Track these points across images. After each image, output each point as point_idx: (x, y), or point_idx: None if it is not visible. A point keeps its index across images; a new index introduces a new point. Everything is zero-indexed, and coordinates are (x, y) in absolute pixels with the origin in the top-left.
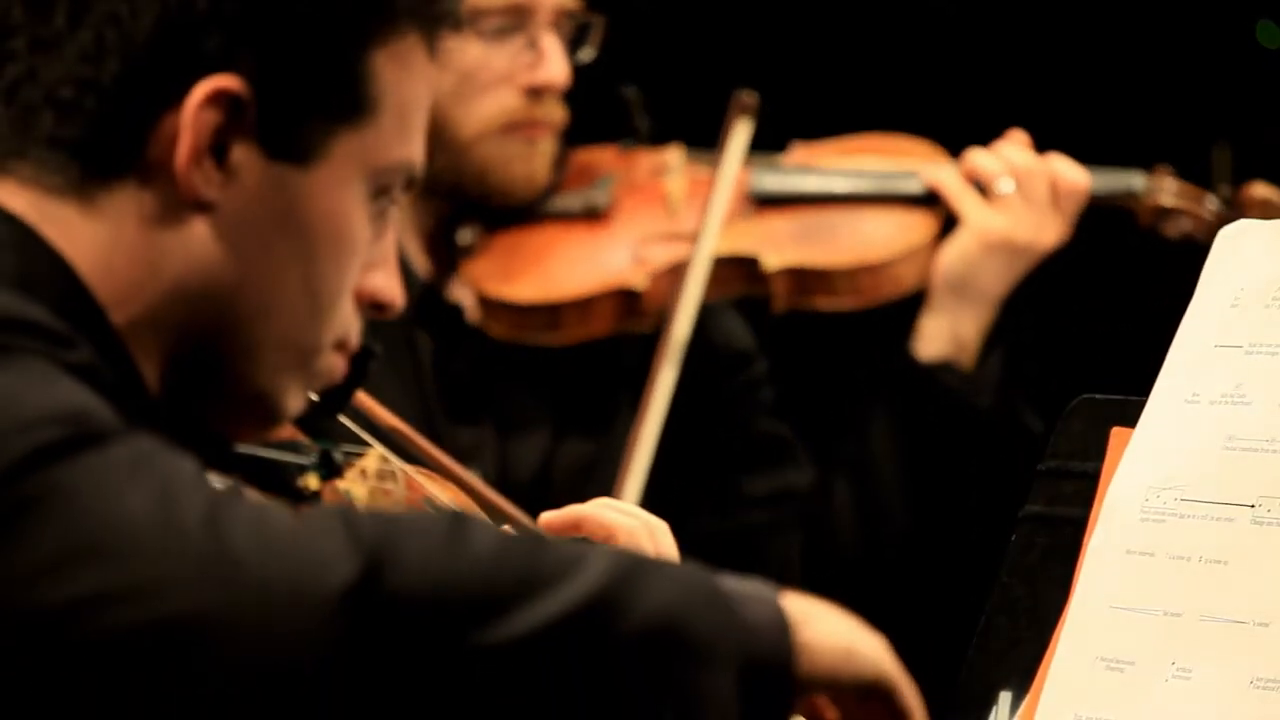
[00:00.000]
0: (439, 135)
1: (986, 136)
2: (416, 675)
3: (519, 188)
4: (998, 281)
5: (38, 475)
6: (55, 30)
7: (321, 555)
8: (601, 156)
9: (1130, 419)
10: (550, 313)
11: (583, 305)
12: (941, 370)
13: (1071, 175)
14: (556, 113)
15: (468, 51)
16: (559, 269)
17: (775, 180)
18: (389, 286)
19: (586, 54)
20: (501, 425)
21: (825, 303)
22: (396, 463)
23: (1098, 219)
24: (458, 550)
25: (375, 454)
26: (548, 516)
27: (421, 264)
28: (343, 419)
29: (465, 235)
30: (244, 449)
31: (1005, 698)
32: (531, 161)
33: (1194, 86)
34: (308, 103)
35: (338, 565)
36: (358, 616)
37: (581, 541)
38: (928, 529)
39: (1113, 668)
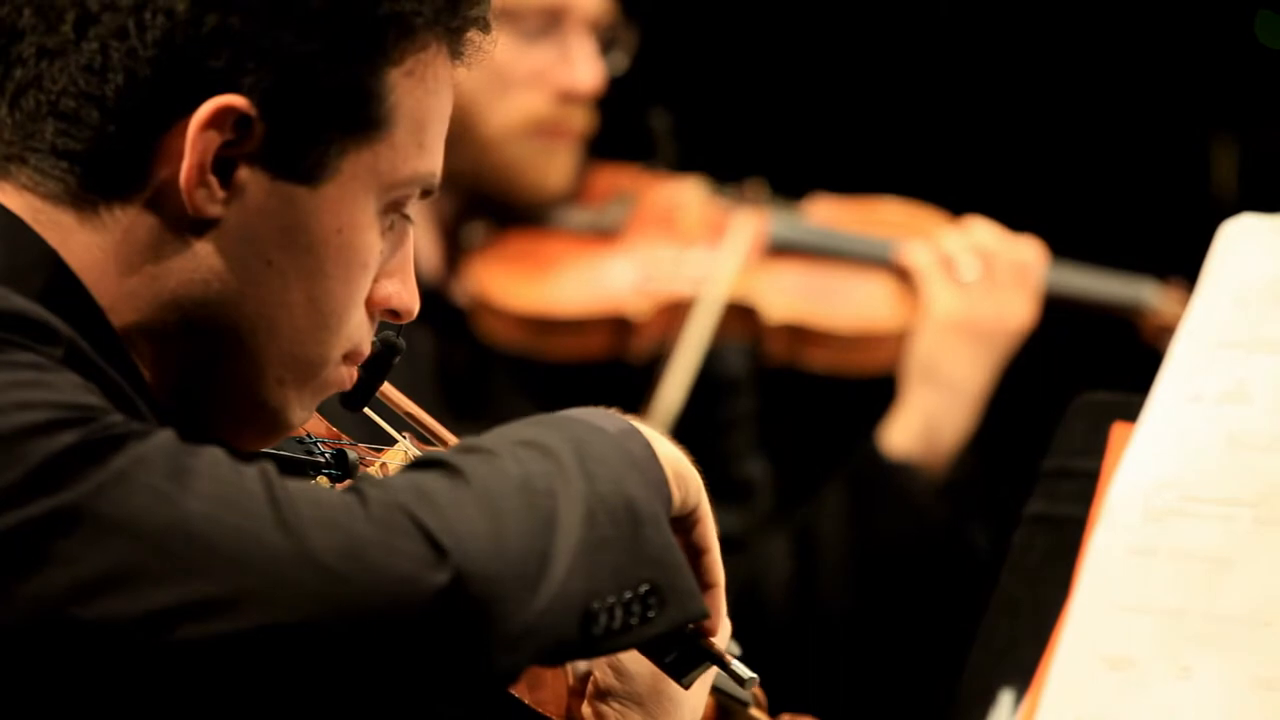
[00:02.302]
0: (463, 129)
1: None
2: (507, 642)
3: (533, 190)
4: (967, 367)
5: (68, 483)
6: (62, 39)
7: (409, 562)
8: (624, 175)
9: (1131, 416)
10: (544, 326)
11: (577, 325)
12: (902, 471)
13: (1031, 256)
14: (583, 120)
15: (500, 49)
16: (561, 283)
17: (794, 231)
18: (403, 294)
19: (619, 61)
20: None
21: (820, 359)
22: (418, 455)
23: (1100, 326)
24: (497, 518)
25: (399, 449)
26: None
27: (430, 257)
28: (369, 413)
29: (475, 231)
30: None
31: (1006, 698)
32: (549, 166)
33: (1193, 81)
34: (317, 122)
35: (430, 572)
36: (454, 612)
37: (533, 440)
38: (866, 613)
39: (1114, 667)
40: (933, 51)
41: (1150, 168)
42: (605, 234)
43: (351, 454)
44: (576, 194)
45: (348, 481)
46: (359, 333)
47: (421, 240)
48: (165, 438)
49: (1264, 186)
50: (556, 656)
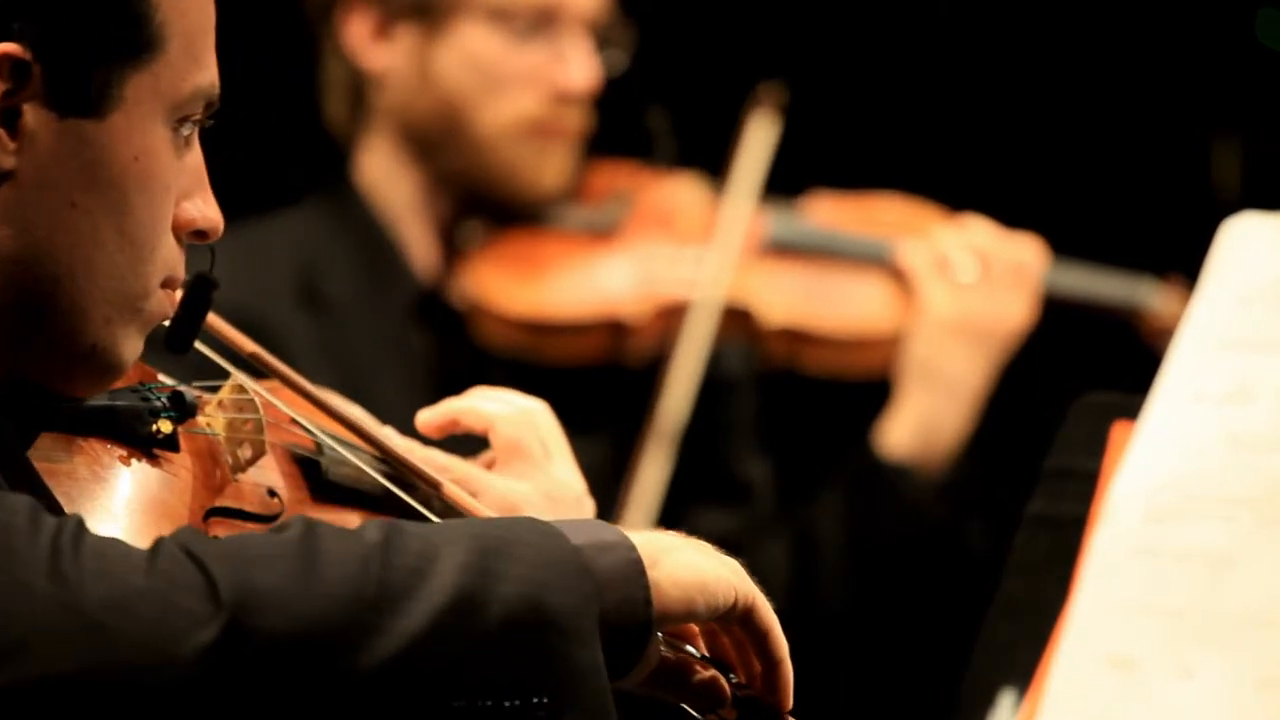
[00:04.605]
0: (457, 129)
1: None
2: (295, 711)
3: (529, 190)
4: (964, 368)
5: None
6: None
7: (180, 616)
8: (622, 173)
9: (1132, 416)
10: (541, 330)
11: (575, 329)
12: (900, 472)
13: (1030, 256)
14: (579, 119)
15: (494, 48)
16: (559, 286)
17: (792, 231)
18: (206, 213)
19: (616, 59)
20: None
21: (818, 361)
22: (253, 387)
23: (1100, 326)
24: (312, 578)
25: (232, 384)
26: (424, 415)
27: (427, 258)
28: (201, 347)
29: (472, 231)
30: (92, 402)
31: (1006, 698)
32: (544, 166)
33: (1194, 81)
34: (92, 53)
35: (197, 628)
36: (223, 671)
37: (435, 530)
38: (865, 614)
39: (1116, 667)
40: (933, 48)
41: (1151, 167)
42: (603, 233)
43: (189, 395)
44: (574, 192)
45: (190, 420)
46: (172, 256)
47: (419, 240)
48: None
49: (1265, 186)
50: None
